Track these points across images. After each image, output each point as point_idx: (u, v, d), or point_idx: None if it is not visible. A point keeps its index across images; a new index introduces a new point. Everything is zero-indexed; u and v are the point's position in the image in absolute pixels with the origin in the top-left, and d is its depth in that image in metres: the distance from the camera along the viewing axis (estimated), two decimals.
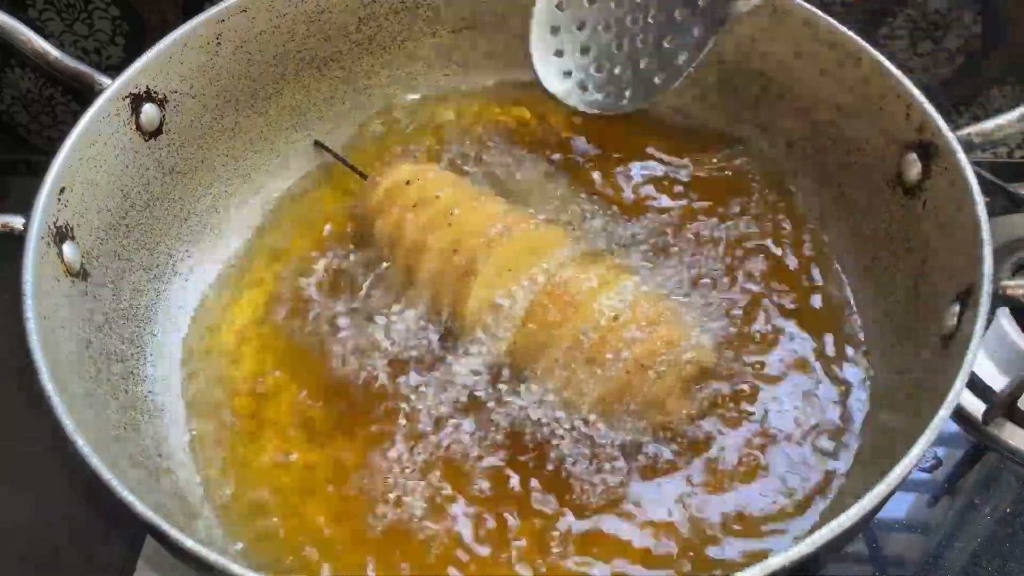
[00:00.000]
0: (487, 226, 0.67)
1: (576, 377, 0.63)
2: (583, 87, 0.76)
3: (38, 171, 0.63)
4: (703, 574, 0.58)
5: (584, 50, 0.75)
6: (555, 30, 0.76)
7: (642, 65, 0.73)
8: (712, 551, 0.59)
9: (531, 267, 0.66)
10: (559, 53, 0.76)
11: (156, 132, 0.72)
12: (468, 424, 0.64)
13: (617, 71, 0.74)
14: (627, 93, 0.74)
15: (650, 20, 0.72)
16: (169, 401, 0.69)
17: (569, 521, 0.60)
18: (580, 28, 0.75)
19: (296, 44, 0.79)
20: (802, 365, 0.67)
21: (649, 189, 0.78)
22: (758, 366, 0.67)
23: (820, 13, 0.71)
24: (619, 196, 0.77)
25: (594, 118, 0.78)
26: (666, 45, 0.72)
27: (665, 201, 0.77)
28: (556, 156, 0.80)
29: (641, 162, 0.80)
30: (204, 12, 0.73)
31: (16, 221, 0.61)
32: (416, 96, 0.86)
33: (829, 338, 0.69)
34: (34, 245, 0.60)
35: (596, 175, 0.79)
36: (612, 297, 0.63)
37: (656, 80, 0.72)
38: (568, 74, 0.76)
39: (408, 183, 0.71)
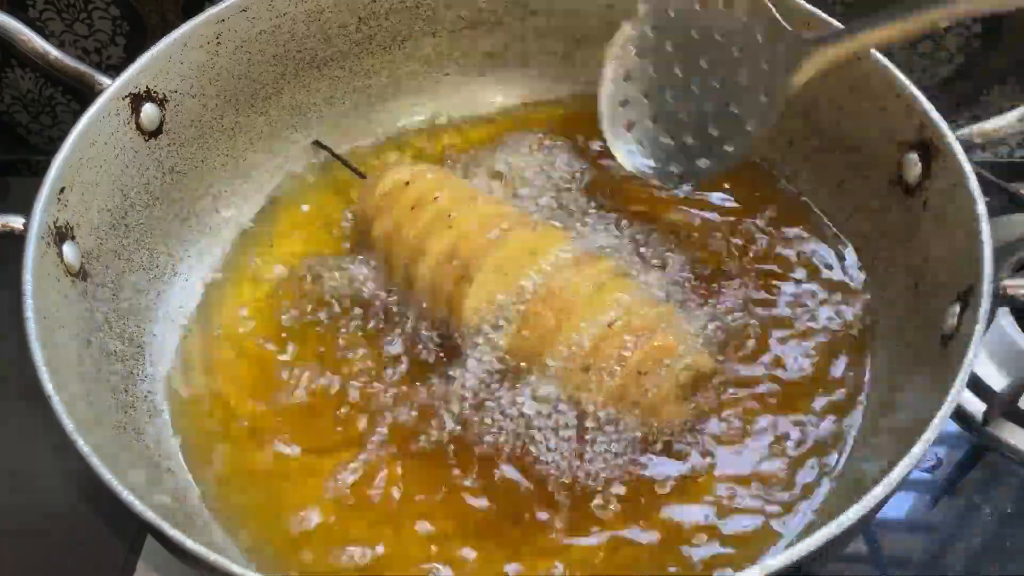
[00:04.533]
0: (484, 228, 0.67)
1: (572, 383, 0.63)
2: (656, 159, 0.73)
3: (38, 171, 0.63)
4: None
5: (654, 119, 0.73)
6: (624, 103, 0.74)
7: (713, 133, 0.70)
8: (706, 553, 0.60)
9: (528, 270, 0.66)
10: (629, 126, 0.74)
11: (156, 132, 0.72)
12: (464, 430, 0.64)
13: (688, 140, 0.71)
14: (700, 163, 0.71)
15: (716, 85, 0.69)
16: (168, 401, 0.68)
17: (565, 527, 0.60)
18: (647, 97, 0.73)
19: (296, 44, 0.79)
20: (801, 367, 0.67)
21: (649, 190, 0.78)
22: (756, 369, 0.67)
23: (820, 13, 0.71)
24: (619, 196, 0.77)
25: (594, 118, 0.78)
26: (734, 110, 0.69)
27: (665, 201, 0.77)
28: (557, 155, 0.80)
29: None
30: (204, 12, 0.73)
31: (16, 221, 0.61)
32: (416, 97, 0.86)
33: (828, 340, 0.69)
34: (34, 245, 0.60)
35: (596, 175, 0.79)
36: (609, 302, 0.63)
37: (727, 148, 0.69)
38: (641, 145, 0.74)
39: (407, 184, 0.71)
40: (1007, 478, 0.73)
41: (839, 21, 0.70)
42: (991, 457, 0.74)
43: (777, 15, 0.65)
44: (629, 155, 0.74)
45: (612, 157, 0.76)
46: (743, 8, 0.67)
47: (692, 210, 0.76)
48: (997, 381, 0.75)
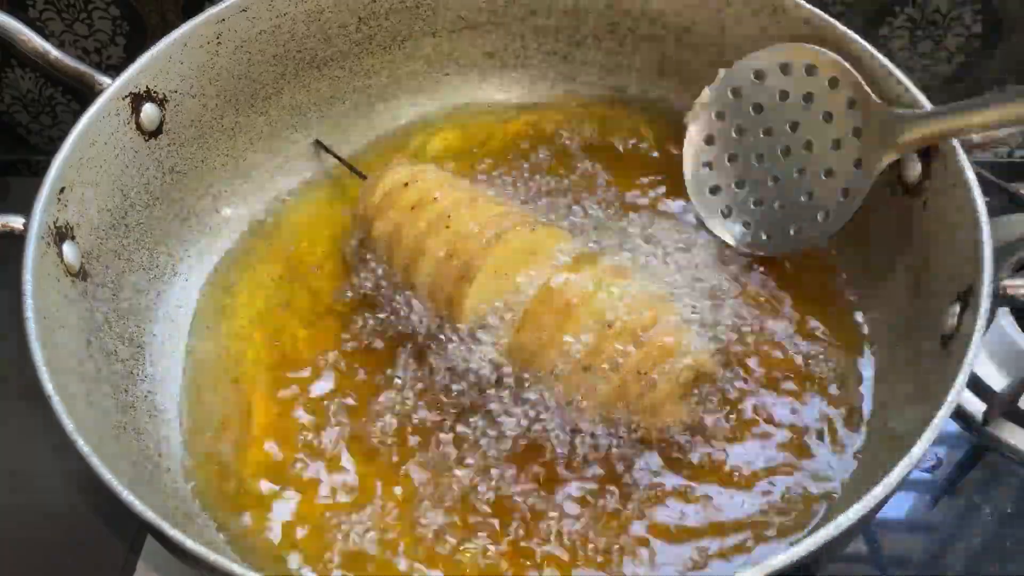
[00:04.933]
0: (484, 228, 0.67)
1: (572, 383, 0.63)
2: (745, 224, 0.72)
3: (38, 171, 0.63)
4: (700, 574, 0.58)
5: (740, 184, 0.72)
6: (707, 164, 0.74)
7: (802, 200, 0.69)
8: (710, 553, 0.60)
9: (527, 271, 0.66)
10: (714, 190, 0.74)
11: (156, 132, 0.72)
12: (463, 429, 0.64)
13: (777, 206, 0.71)
14: (791, 230, 0.70)
15: (803, 151, 0.69)
16: (169, 401, 0.69)
17: (564, 528, 0.60)
18: (732, 160, 0.73)
19: (296, 44, 0.79)
20: (801, 366, 0.67)
21: (649, 190, 0.78)
22: (756, 370, 0.67)
23: (819, 12, 0.71)
24: (619, 196, 0.77)
25: (598, 120, 0.78)
26: (823, 177, 0.68)
27: (664, 202, 0.77)
28: (556, 157, 0.80)
29: (640, 163, 0.80)
30: (204, 12, 0.73)
31: (16, 221, 0.61)
32: (416, 97, 0.86)
33: (828, 339, 0.69)
34: (34, 245, 0.60)
35: (597, 176, 0.79)
36: (608, 302, 0.63)
37: (819, 217, 0.69)
38: (728, 213, 0.73)
39: (406, 184, 0.71)
40: (1007, 478, 0.73)
41: (839, 21, 0.70)
42: (991, 457, 0.74)
43: (864, 85, 0.66)
44: (713, 217, 0.74)
45: (611, 156, 0.76)
46: (827, 75, 0.67)
47: (690, 212, 0.76)
48: (997, 381, 0.76)
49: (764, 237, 0.72)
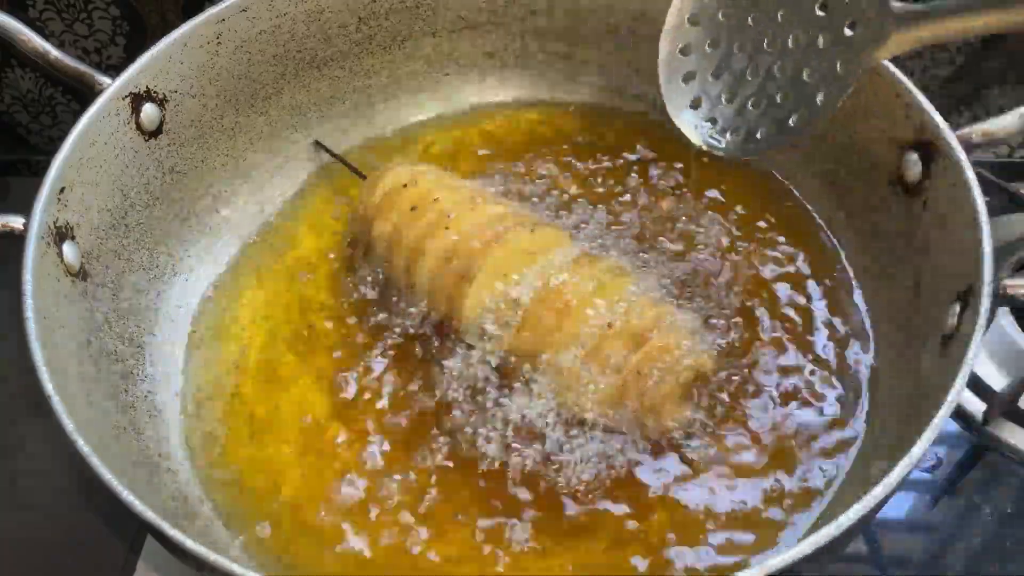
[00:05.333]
0: (484, 229, 0.67)
1: (573, 384, 0.63)
2: (712, 120, 0.68)
3: (38, 171, 0.63)
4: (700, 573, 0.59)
5: (716, 74, 0.67)
6: (685, 49, 0.69)
7: (778, 99, 0.64)
8: (707, 554, 0.60)
9: (527, 271, 0.66)
10: (688, 77, 0.68)
11: (156, 132, 0.72)
12: (461, 431, 0.64)
13: (750, 105, 0.66)
14: (759, 133, 0.65)
15: (790, 44, 0.64)
16: (169, 401, 0.69)
17: (563, 527, 0.61)
18: (713, 47, 0.67)
19: (296, 44, 0.79)
20: (802, 367, 0.67)
21: (648, 190, 0.78)
22: (758, 369, 0.67)
23: None
24: (619, 197, 0.77)
25: (597, 120, 0.77)
26: (806, 78, 0.63)
27: (664, 202, 0.77)
28: (556, 157, 0.80)
29: (640, 164, 0.80)
30: (204, 12, 0.73)
31: (16, 221, 0.61)
32: (416, 97, 0.86)
33: (829, 339, 0.69)
34: (34, 245, 0.60)
35: (597, 176, 0.79)
36: (608, 302, 0.63)
37: (791, 121, 0.64)
38: (697, 105, 0.68)
39: (406, 185, 0.71)
40: (1007, 478, 0.73)
41: None
42: (991, 457, 0.74)
43: None
44: (682, 108, 0.69)
45: (611, 157, 0.76)
46: None
47: (690, 211, 0.76)
48: (997, 381, 0.75)
49: (728, 137, 0.67)
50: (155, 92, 0.71)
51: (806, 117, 0.63)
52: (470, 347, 0.66)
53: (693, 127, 0.68)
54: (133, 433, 0.64)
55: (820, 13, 0.62)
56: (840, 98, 0.62)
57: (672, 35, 0.69)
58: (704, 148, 0.68)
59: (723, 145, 0.67)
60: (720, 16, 0.67)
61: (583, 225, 0.75)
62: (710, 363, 0.64)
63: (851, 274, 0.72)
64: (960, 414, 0.75)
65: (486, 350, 0.65)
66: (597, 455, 0.62)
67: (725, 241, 0.74)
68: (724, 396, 0.65)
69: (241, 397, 0.69)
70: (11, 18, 0.69)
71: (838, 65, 0.61)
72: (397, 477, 0.63)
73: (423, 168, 0.75)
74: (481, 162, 0.81)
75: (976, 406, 0.75)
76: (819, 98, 0.62)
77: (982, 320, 0.55)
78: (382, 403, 0.66)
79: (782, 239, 0.75)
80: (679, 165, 0.79)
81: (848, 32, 0.61)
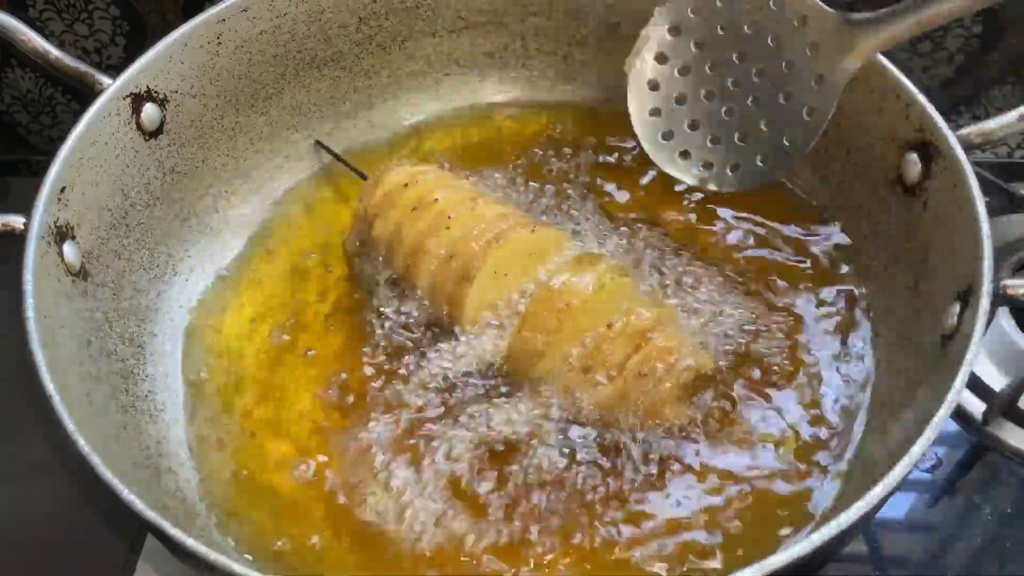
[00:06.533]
0: (484, 230, 0.67)
1: (573, 384, 0.63)
2: (707, 164, 0.70)
3: (38, 171, 0.63)
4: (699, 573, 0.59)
5: (692, 126, 0.69)
6: (655, 112, 0.71)
7: (763, 127, 0.66)
8: (708, 554, 0.60)
9: (527, 272, 0.66)
10: (667, 136, 0.71)
11: (156, 132, 0.72)
12: (463, 431, 0.64)
13: (736, 139, 0.68)
14: (757, 160, 0.68)
15: (754, 79, 0.66)
16: (169, 401, 0.69)
17: (567, 524, 0.60)
18: (681, 103, 0.69)
19: (296, 44, 0.79)
20: (802, 367, 0.67)
21: (648, 191, 0.78)
22: (757, 370, 0.67)
23: (822, 5, 0.71)
24: (618, 196, 0.77)
25: (598, 120, 0.77)
26: (782, 101, 0.66)
27: (664, 202, 0.77)
28: (556, 157, 0.80)
29: (640, 164, 0.80)
30: (204, 12, 0.73)
31: (16, 221, 0.61)
32: (416, 97, 0.86)
33: (829, 339, 0.69)
34: (34, 245, 0.60)
35: (596, 177, 0.79)
36: (609, 302, 0.63)
37: (786, 141, 0.66)
38: (687, 155, 0.70)
39: (407, 185, 0.71)
40: (1007, 478, 0.73)
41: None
42: (991, 457, 0.74)
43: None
44: (672, 162, 0.71)
45: (611, 157, 0.76)
46: None
47: (690, 211, 0.76)
48: (997, 381, 0.75)
49: (729, 173, 0.69)
50: (155, 92, 0.71)
51: (799, 136, 0.65)
52: (471, 348, 0.66)
53: (692, 175, 0.70)
54: (133, 433, 0.64)
55: (772, 44, 0.65)
56: (827, 112, 0.63)
57: (638, 104, 0.71)
58: (713, 189, 0.70)
59: (727, 180, 0.69)
60: (677, 74, 0.69)
61: (583, 226, 0.75)
62: (710, 363, 0.64)
63: (851, 275, 0.72)
64: (960, 414, 0.75)
65: (486, 350, 0.65)
66: (597, 455, 0.62)
67: (724, 244, 0.74)
68: (723, 398, 0.65)
69: (241, 397, 0.69)
70: (11, 18, 0.69)
71: (812, 83, 0.63)
72: (398, 477, 0.63)
73: (423, 168, 0.75)
74: (481, 162, 0.81)
75: (976, 406, 0.75)
76: (805, 116, 0.64)
77: (982, 320, 0.55)
78: (382, 403, 0.66)
79: (781, 239, 0.75)
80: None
81: (808, 53, 0.63)
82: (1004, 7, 0.88)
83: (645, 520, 0.61)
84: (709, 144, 0.69)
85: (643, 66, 0.71)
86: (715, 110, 0.68)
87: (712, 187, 0.70)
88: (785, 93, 0.65)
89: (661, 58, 0.70)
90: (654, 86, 0.71)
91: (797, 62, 0.64)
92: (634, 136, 0.74)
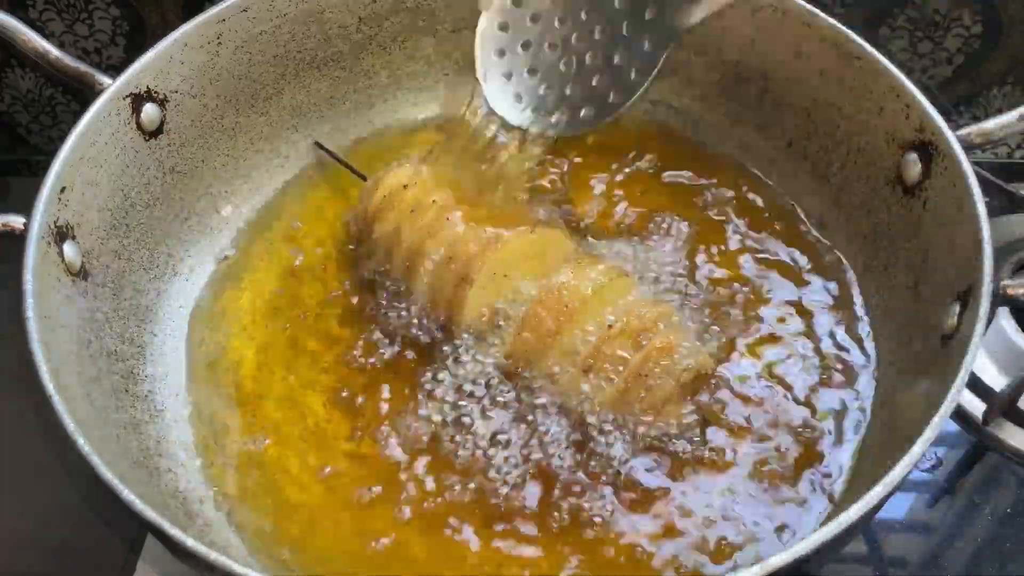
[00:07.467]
0: (483, 231, 0.66)
1: (573, 385, 0.63)
2: (536, 110, 0.73)
3: (38, 171, 0.63)
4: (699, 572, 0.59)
5: (532, 71, 0.72)
6: (501, 52, 0.73)
7: (594, 83, 0.70)
8: (707, 554, 0.60)
9: (526, 273, 0.66)
10: (508, 76, 0.73)
11: (157, 132, 0.72)
12: (462, 433, 0.64)
13: (568, 91, 0.71)
14: (582, 113, 0.71)
15: (597, 37, 0.69)
16: (169, 401, 0.69)
17: (568, 524, 0.61)
18: (526, 48, 0.72)
19: (296, 44, 0.79)
20: (802, 367, 0.67)
21: (648, 191, 0.78)
22: (757, 370, 0.67)
23: (820, 13, 0.71)
24: (618, 196, 0.77)
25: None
26: (617, 62, 0.69)
27: (664, 202, 0.77)
28: (556, 157, 0.80)
29: (639, 164, 0.80)
30: (204, 12, 0.73)
31: (16, 221, 0.61)
32: (416, 97, 0.86)
33: (829, 339, 0.69)
34: (34, 245, 0.60)
35: (596, 177, 0.79)
36: (608, 303, 0.63)
37: (611, 98, 0.69)
38: (519, 97, 0.73)
39: (406, 186, 0.71)
40: (1007, 478, 0.73)
41: (839, 22, 0.70)
42: (991, 457, 0.74)
43: None
44: (506, 103, 0.73)
45: (610, 155, 0.76)
46: None
47: (689, 211, 0.76)
48: (997, 381, 0.75)
49: (553, 120, 0.72)
50: (156, 92, 0.71)
51: (623, 94, 0.69)
52: (470, 350, 0.66)
53: (521, 118, 0.73)
54: (133, 433, 0.64)
55: (620, 6, 0.68)
56: (652, 73, 0.68)
57: (484, 42, 0.74)
58: (533, 132, 0.73)
59: (550, 126, 0.72)
60: (528, 21, 0.72)
61: (582, 226, 0.74)
62: (711, 364, 0.65)
63: (851, 274, 0.72)
64: (960, 414, 0.75)
65: (486, 352, 0.65)
66: (596, 460, 0.62)
67: (724, 244, 0.74)
68: (723, 398, 0.65)
69: (241, 397, 0.69)
70: (11, 18, 0.69)
71: (645, 45, 0.67)
72: (399, 477, 0.63)
73: (423, 169, 0.74)
74: (481, 163, 0.80)
75: (976, 406, 0.75)
76: (632, 76, 0.68)
77: (982, 320, 0.55)
78: (382, 403, 0.66)
79: (781, 239, 0.75)
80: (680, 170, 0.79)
81: (648, 16, 0.67)
82: (1004, 7, 0.88)
83: (645, 521, 0.61)
84: (542, 91, 0.72)
85: (498, 7, 0.73)
86: (555, 61, 0.72)
87: (534, 130, 0.73)
88: (622, 53, 0.68)
89: (516, 2, 0.73)
90: (504, 27, 0.73)
91: (639, 25, 0.68)
92: None
